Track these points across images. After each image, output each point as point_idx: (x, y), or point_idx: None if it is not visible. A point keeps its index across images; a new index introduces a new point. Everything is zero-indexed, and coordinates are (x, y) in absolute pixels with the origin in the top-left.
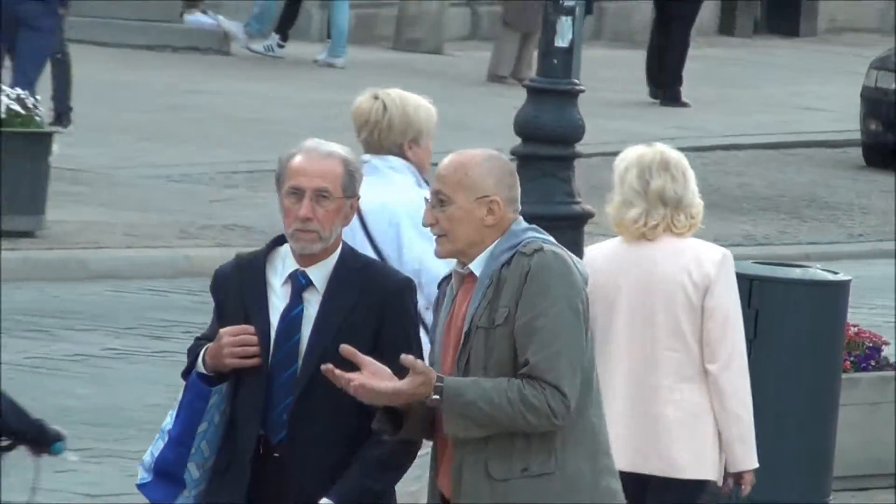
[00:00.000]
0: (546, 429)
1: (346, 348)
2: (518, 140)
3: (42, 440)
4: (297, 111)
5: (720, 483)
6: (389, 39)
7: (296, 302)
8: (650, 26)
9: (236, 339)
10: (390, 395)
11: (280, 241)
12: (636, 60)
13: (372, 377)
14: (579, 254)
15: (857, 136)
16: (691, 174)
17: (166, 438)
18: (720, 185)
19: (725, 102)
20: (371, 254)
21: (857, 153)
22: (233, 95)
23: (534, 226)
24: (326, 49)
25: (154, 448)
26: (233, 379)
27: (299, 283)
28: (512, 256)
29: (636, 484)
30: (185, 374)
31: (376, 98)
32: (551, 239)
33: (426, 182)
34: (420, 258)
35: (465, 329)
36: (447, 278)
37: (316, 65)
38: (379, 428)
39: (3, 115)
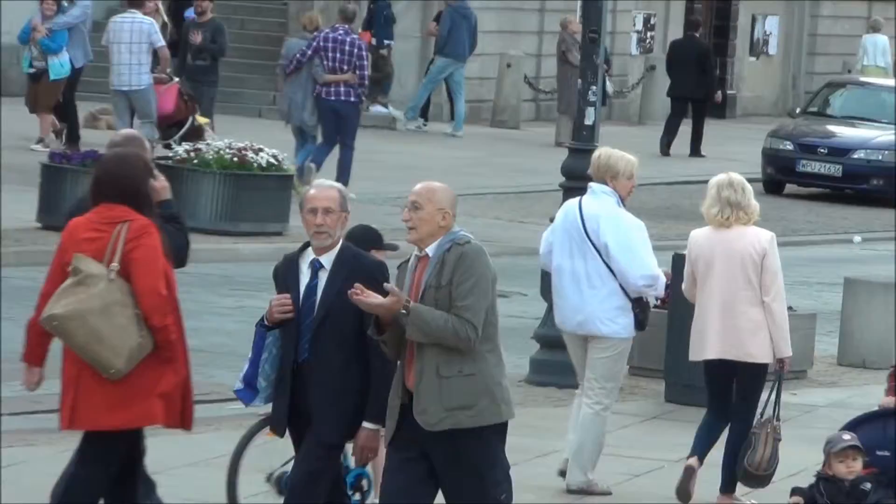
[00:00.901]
0: (463, 347)
1: (357, 285)
2: (562, 178)
3: None
4: (437, 162)
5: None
6: (488, 120)
7: (314, 278)
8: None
9: (280, 303)
10: (376, 305)
11: (307, 245)
12: (633, 131)
13: (368, 295)
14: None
15: (760, 176)
16: (749, 188)
17: (247, 364)
18: (682, 204)
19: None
20: (584, 235)
21: (759, 186)
22: (399, 154)
23: (464, 229)
24: (452, 126)
25: (243, 370)
26: (280, 328)
27: (316, 266)
28: (451, 246)
29: (726, 367)
30: (257, 325)
31: (601, 150)
32: (473, 237)
33: (623, 203)
34: (615, 239)
35: (422, 289)
36: (406, 261)
37: (446, 135)
38: (371, 332)
39: (265, 164)
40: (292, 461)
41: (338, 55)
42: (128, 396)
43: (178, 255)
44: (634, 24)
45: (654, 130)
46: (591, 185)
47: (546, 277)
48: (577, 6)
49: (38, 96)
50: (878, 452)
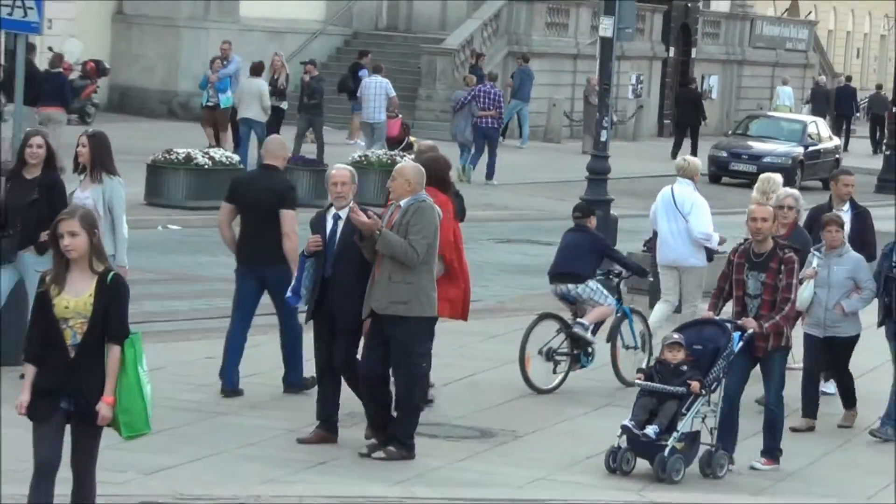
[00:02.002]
0: (408, 263)
1: (353, 206)
2: (587, 173)
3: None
4: (512, 162)
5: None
6: (541, 137)
7: (335, 225)
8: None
9: (314, 241)
10: (363, 222)
11: (331, 205)
12: (629, 145)
13: (360, 214)
14: (610, 223)
15: (706, 171)
16: (780, 180)
17: (294, 280)
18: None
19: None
20: (674, 207)
21: (705, 179)
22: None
23: (424, 193)
24: (520, 141)
25: (291, 284)
26: (314, 257)
27: (336, 218)
28: (413, 202)
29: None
30: (300, 255)
31: (683, 157)
32: (429, 197)
33: (696, 187)
34: (690, 209)
35: (390, 225)
36: (389, 207)
37: (517, 147)
38: (356, 238)
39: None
40: (553, 339)
41: (486, 100)
42: None
43: (462, 216)
44: (630, 80)
45: (643, 145)
46: (678, 177)
47: (654, 234)
48: (596, 68)
49: (216, 120)
50: (695, 346)
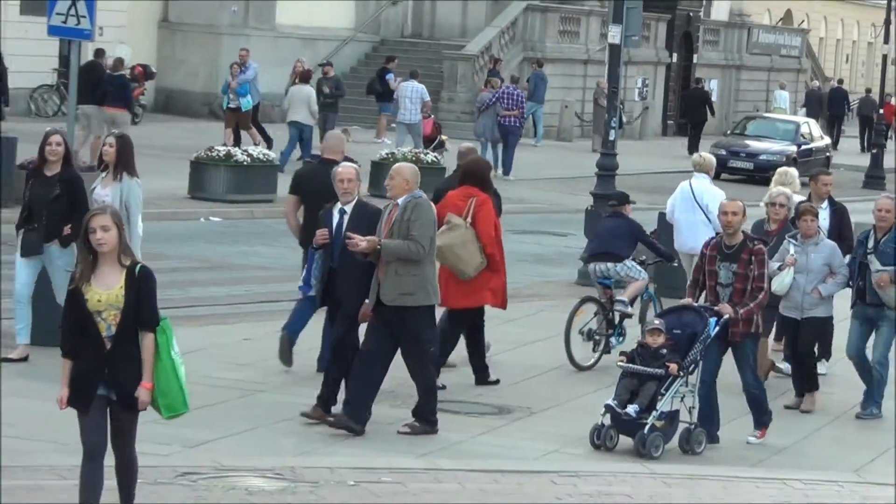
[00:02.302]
0: (414, 258)
1: (349, 236)
2: (596, 169)
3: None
4: (528, 159)
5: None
6: (555, 136)
7: (341, 219)
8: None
9: (322, 234)
10: (363, 248)
11: (337, 200)
12: (635, 143)
13: (357, 243)
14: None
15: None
16: (796, 174)
17: (304, 271)
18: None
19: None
20: (693, 199)
21: None
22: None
23: (419, 190)
24: (535, 140)
25: (302, 275)
26: (322, 249)
27: (342, 213)
28: (411, 199)
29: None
30: (309, 247)
31: (699, 154)
32: (423, 194)
33: (712, 181)
34: (708, 201)
35: (391, 224)
36: (388, 206)
37: (532, 145)
38: (359, 258)
39: (429, 161)
40: (592, 321)
41: (510, 101)
42: (473, 289)
43: (499, 212)
44: (637, 83)
45: (648, 143)
46: (694, 172)
47: (669, 226)
48: (605, 72)
49: (239, 121)
50: (675, 331)
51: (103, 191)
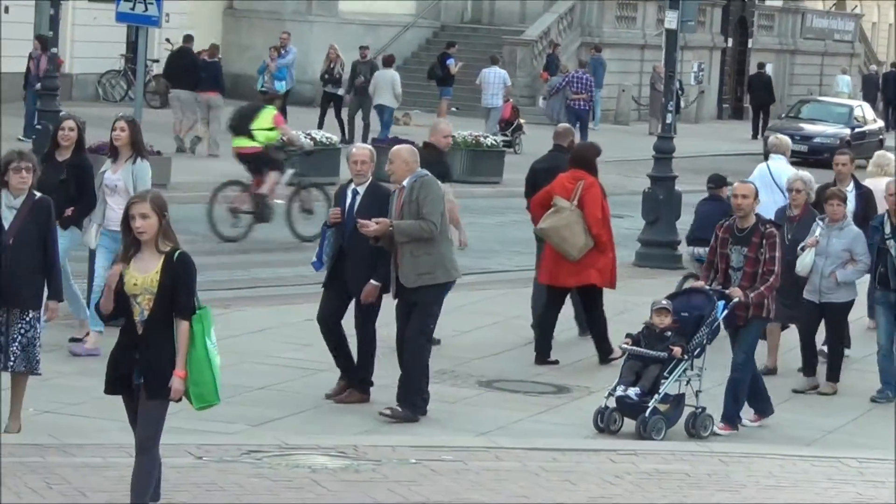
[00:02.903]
0: (427, 236)
1: (360, 221)
2: (653, 152)
3: None
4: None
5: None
6: (612, 120)
7: (353, 199)
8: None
9: (334, 213)
10: (374, 230)
11: (351, 180)
12: (692, 126)
13: (368, 225)
14: (675, 197)
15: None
16: (892, 158)
17: (318, 248)
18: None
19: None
20: (771, 179)
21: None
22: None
23: (421, 169)
24: (593, 123)
25: (315, 252)
26: (334, 227)
27: (355, 193)
28: (416, 179)
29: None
30: (322, 226)
31: (775, 135)
32: (428, 172)
33: (789, 162)
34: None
35: (400, 206)
36: (394, 191)
37: (590, 129)
38: (371, 242)
39: (489, 144)
40: None
41: (579, 85)
42: (580, 269)
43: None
44: (693, 68)
45: (704, 127)
46: (771, 154)
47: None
48: (662, 57)
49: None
50: (682, 314)
51: (114, 175)
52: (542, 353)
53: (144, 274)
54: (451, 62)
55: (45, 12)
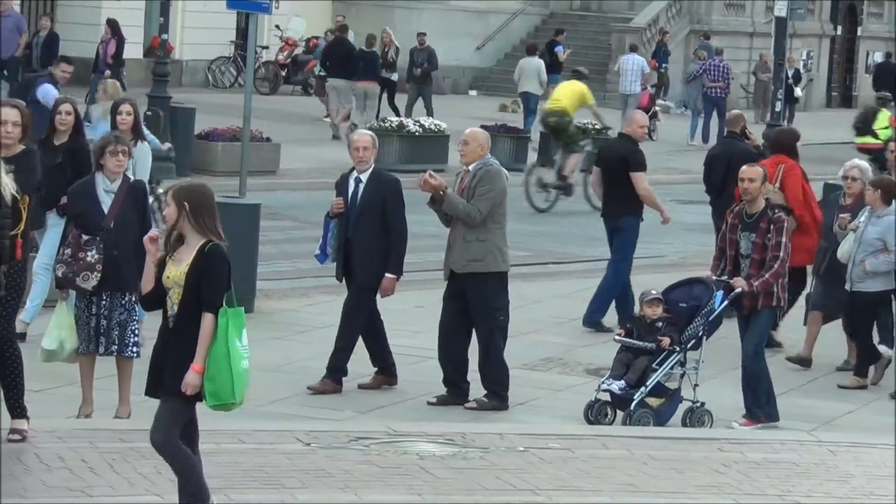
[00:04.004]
0: (470, 222)
1: (430, 172)
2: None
3: None
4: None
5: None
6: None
7: (356, 188)
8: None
9: (337, 203)
10: (434, 185)
11: (353, 168)
12: (800, 115)
13: (433, 177)
14: None
15: None
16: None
17: (322, 241)
18: None
19: None
20: None
21: None
22: (676, 126)
23: (490, 156)
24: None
25: (318, 243)
26: (338, 218)
27: (358, 181)
28: (482, 166)
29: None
30: (325, 216)
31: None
32: (495, 161)
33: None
34: None
35: (462, 189)
36: (459, 172)
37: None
38: (428, 203)
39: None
40: None
41: (716, 73)
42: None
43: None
44: (801, 56)
45: (813, 115)
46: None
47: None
48: (771, 45)
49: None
50: (681, 305)
51: None
52: None
53: (178, 267)
54: (559, 49)
55: None
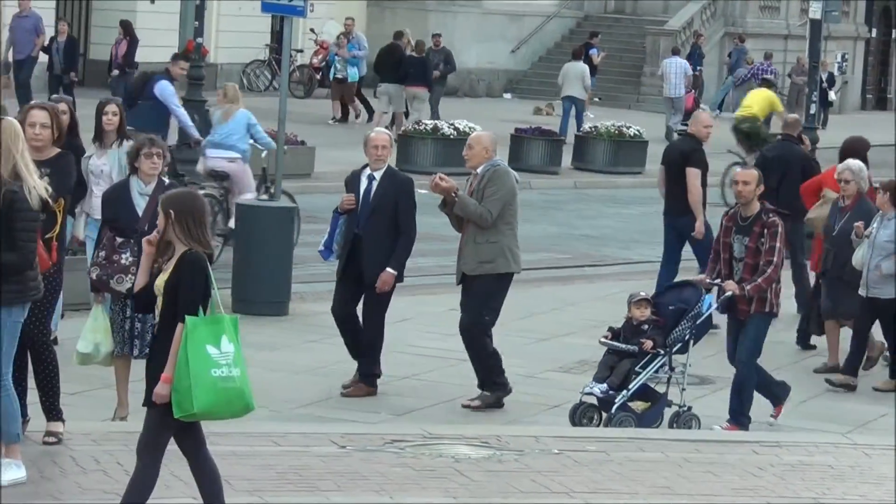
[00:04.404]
0: (482, 224)
1: (441, 175)
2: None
3: None
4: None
5: None
6: None
7: (370, 185)
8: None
9: (348, 199)
10: (446, 187)
11: (366, 165)
12: (835, 117)
13: (445, 180)
14: None
15: None
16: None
17: (326, 235)
18: None
19: None
20: None
21: None
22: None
23: (498, 158)
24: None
25: (323, 240)
26: (347, 214)
27: (371, 179)
28: (490, 167)
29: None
30: (333, 212)
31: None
32: (503, 162)
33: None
34: None
35: (471, 192)
36: (468, 174)
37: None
38: (440, 206)
39: (632, 134)
40: None
41: (763, 77)
42: None
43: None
44: (836, 58)
45: (848, 117)
46: None
47: None
48: (806, 47)
49: (344, 92)
50: (670, 307)
51: (99, 160)
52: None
53: (164, 275)
54: (594, 52)
55: (191, 3)
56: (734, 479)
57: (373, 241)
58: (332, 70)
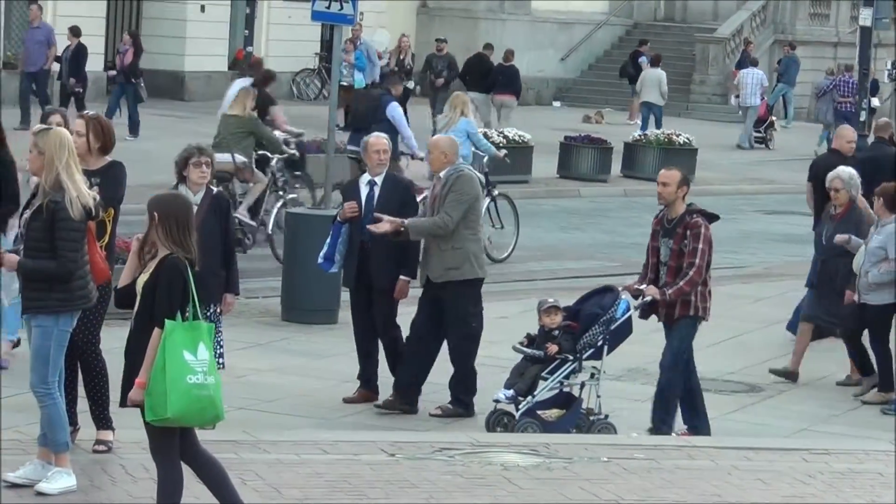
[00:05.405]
0: (442, 233)
1: (368, 227)
2: None
3: None
4: (779, 142)
5: None
6: (805, 118)
7: (371, 191)
8: None
9: (350, 207)
10: (383, 231)
11: (363, 171)
12: None
13: (379, 227)
14: None
15: None
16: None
17: (326, 247)
18: None
19: None
20: None
21: None
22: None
23: (462, 162)
24: (786, 121)
25: (322, 251)
26: (348, 223)
27: (372, 184)
28: (452, 172)
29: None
30: (332, 222)
31: None
32: (469, 166)
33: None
34: None
35: (434, 197)
36: (433, 185)
37: (783, 126)
38: (393, 237)
39: (682, 142)
40: None
41: (846, 88)
42: None
43: None
44: (886, 65)
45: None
46: None
47: None
48: (856, 55)
49: (350, 100)
50: (586, 313)
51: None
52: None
53: (145, 275)
54: (643, 60)
55: (241, 11)
56: (784, 486)
57: (380, 246)
58: (338, 77)
